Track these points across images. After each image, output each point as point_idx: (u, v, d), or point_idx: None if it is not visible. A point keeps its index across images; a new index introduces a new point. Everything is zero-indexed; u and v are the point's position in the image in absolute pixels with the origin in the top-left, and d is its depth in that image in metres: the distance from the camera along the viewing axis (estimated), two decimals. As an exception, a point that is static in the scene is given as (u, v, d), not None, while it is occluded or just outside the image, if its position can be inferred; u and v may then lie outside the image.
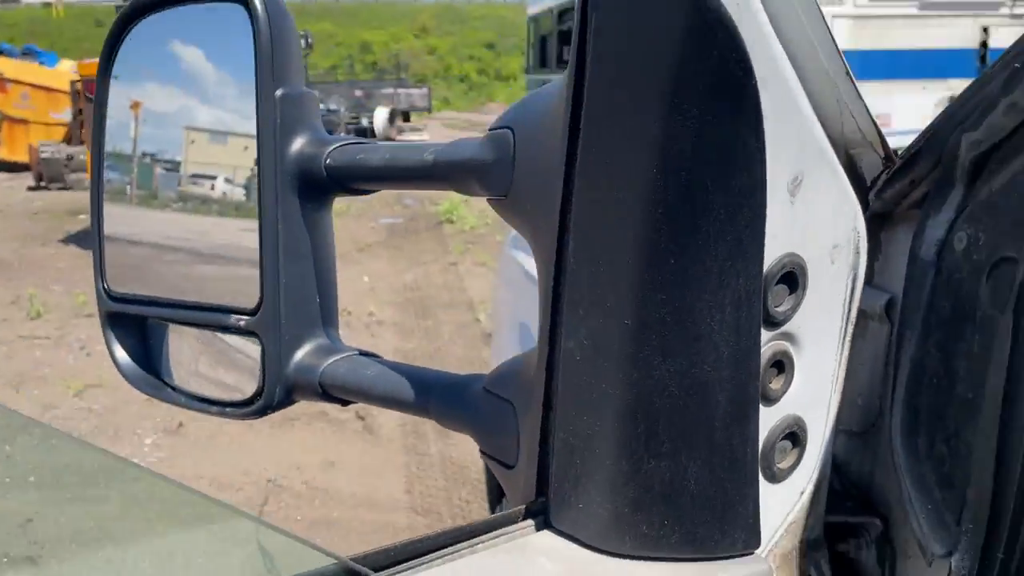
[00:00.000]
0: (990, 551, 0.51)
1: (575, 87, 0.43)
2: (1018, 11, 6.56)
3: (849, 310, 0.52)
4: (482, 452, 0.55)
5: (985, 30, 6.58)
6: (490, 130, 0.52)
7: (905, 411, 0.58)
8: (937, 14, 6.49)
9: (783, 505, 0.53)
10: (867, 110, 0.51)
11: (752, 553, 0.44)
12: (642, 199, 0.39)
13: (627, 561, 0.42)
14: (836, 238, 0.50)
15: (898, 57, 6.42)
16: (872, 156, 0.54)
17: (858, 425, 0.63)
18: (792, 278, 0.48)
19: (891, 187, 0.56)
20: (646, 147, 0.39)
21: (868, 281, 0.63)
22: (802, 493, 0.53)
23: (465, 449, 3.50)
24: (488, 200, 0.53)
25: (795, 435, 0.52)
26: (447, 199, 9.35)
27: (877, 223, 0.61)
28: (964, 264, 0.54)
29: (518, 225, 0.52)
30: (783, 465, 0.52)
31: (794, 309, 0.49)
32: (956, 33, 6.54)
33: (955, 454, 0.54)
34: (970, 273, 0.53)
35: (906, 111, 6.01)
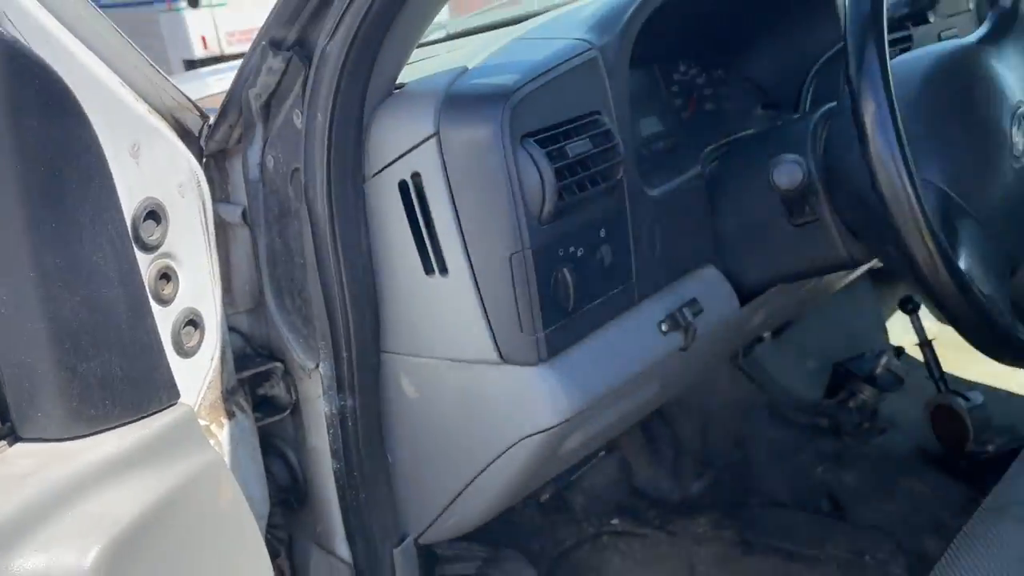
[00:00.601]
0: (338, 354, 0.80)
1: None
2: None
3: (207, 225, 0.74)
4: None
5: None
6: None
7: (272, 283, 0.84)
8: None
9: (201, 371, 0.75)
10: (174, 85, 0.71)
11: (175, 403, 0.65)
12: (11, 189, 0.54)
13: (87, 439, 0.59)
14: (179, 179, 0.71)
15: None
16: (193, 116, 0.75)
17: (251, 304, 0.87)
18: (155, 214, 0.68)
19: (217, 132, 0.79)
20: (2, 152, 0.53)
21: (227, 200, 0.86)
22: (212, 359, 0.76)
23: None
24: None
25: (194, 322, 0.73)
26: None
27: (221, 159, 0.83)
28: (276, 176, 0.79)
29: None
30: (191, 344, 0.73)
31: (164, 235, 0.69)
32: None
33: (305, 302, 0.81)
34: (281, 181, 0.79)
35: None
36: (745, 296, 0.93)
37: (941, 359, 1.42)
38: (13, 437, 0.59)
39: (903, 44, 1.12)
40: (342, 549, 0.89)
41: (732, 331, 0.96)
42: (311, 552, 0.93)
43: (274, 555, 0.88)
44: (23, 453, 0.58)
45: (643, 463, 1.50)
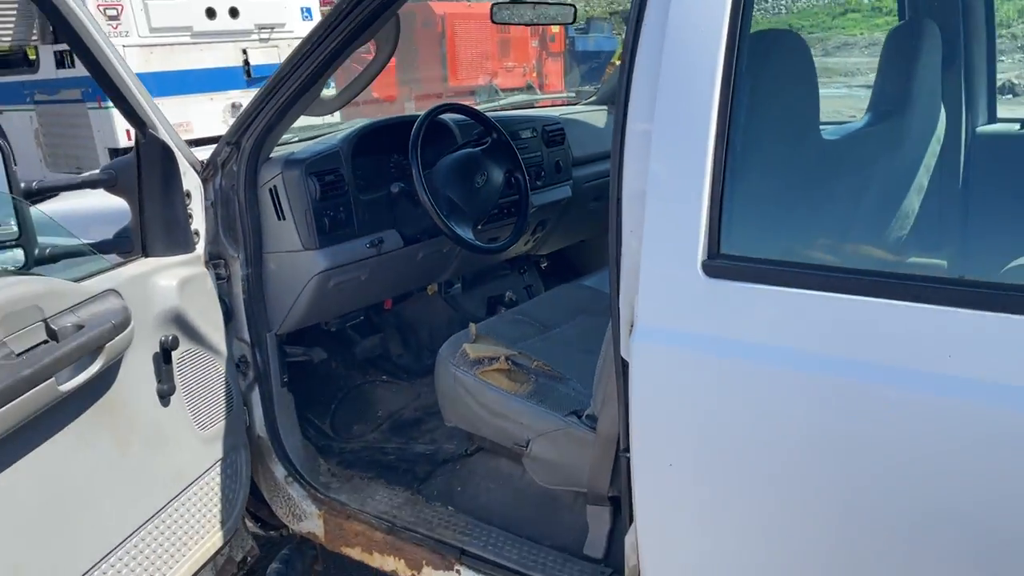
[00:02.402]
0: (245, 252, 2.22)
1: None
2: (264, 36, 8.92)
3: (203, 203, 2.17)
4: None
5: (244, 51, 8.82)
6: None
7: (223, 228, 2.27)
8: (207, 41, 8.48)
9: (199, 249, 2.16)
10: (193, 153, 2.15)
11: (195, 251, 2.05)
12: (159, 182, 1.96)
13: (174, 257, 2.00)
14: (195, 184, 2.13)
15: (186, 76, 8.25)
16: (199, 164, 2.18)
17: (212, 237, 2.29)
18: (188, 195, 2.10)
19: (206, 171, 2.23)
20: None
21: (208, 198, 2.29)
22: (201, 247, 2.17)
23: None
24: None
25: (196, 232, 2.15)
26: None
27: (207, 181, 2.27)
28: (226, 188, 2.24)
29: None
30: (196, 241, 2.14)
31: (190, 201, 2.12)
32: (225, 56, 8.64)
33: (235, 233, 2.24)
34: (227, 190, 2.23)
35: (201, 118, 7.92)
36: (407, 241, 2.42)
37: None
38: (144, 254, 1.98)
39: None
40: (244, 334, 2.29)
41: (408, 255, 2.45)
42: (233, 340, 2.32)
43: (219, 332, 2.28)
44: (149, 261, 1.97)
45: (401, 348, 2.95)
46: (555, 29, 14.16)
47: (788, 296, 1.29)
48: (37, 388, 1.48)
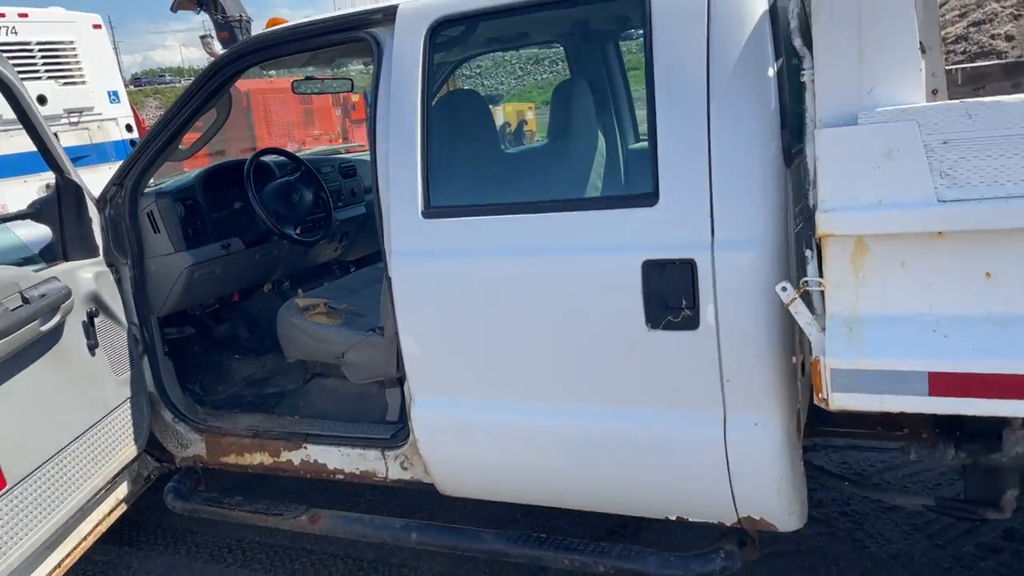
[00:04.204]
0: (132, 258, 3.20)
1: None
2: (74, 120, 9.52)
3: (98, 227, 3.12)
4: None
5: (56, 135, 9.39)
6: None
7: (115, 245, 3.24)
8: (17, 128, 9.04)
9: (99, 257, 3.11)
10: (94, 197, 3.10)
11: (98, 256, 3.00)
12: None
13: (85, 260, 2.95)
14: (95, 215, 3.09)
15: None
16: (93, 199, 3.13)
17: (104, 251, 3.24)
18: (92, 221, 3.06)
19: (100, 203, 3.19)
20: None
21: (103, 223, 3.25)
22: (101, 256, 3.12)
23: None
24: None
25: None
26: None
27: (102, 209, 3.23)
28: (115, 216, 3.21)
29: None
30: (99, 251, 3.09)
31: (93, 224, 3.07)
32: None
33: (123, 246, 3.21)
34: (116, 217, 3.21)
35: (16, 200, 8.45)
36: (247, 245, 3.48)
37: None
38: (65, 259, 2.90)
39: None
40: (135, 318, 3.23)
41: (249, 256, 3.51)
42: (128, 324, 3.25)
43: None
44: (71, 263, 2.89)
45: (247, 333, 3.94)
46: (355, 98, 15.43)
47: (465, 222, 2.51)
48: (28, 326, 2.43)
